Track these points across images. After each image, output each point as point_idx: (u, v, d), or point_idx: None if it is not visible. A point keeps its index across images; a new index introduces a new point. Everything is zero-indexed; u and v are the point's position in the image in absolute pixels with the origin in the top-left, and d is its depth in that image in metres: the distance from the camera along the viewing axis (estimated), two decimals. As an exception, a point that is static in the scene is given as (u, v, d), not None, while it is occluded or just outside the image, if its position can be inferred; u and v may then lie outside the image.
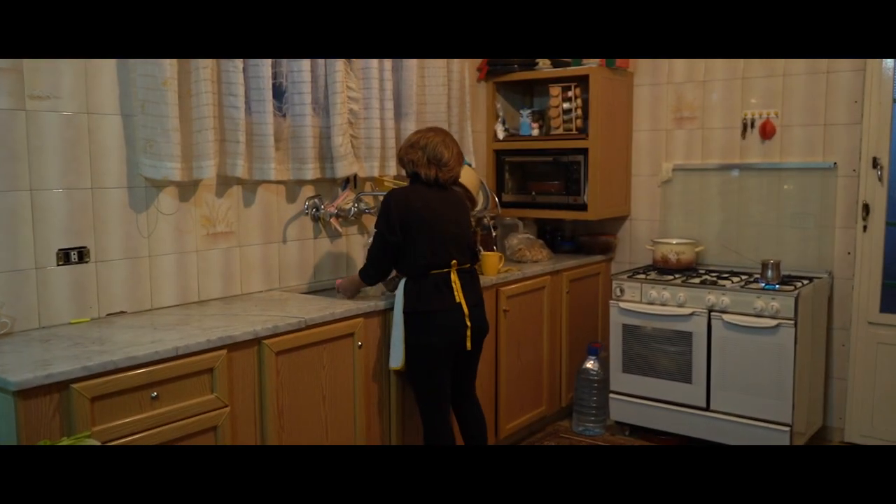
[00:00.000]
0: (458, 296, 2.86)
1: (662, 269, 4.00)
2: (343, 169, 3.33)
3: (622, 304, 3.84)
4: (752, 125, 3.95)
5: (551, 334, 3.94)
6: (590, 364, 3.98)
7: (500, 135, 4.29)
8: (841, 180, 3.74)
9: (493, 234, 3.92)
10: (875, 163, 3.61)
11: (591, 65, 4.00)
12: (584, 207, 4.07)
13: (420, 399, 2.93)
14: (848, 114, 3.70)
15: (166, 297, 2.86)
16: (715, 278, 3.77)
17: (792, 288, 3.49)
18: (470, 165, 3.42)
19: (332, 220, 3.43)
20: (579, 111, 4.08)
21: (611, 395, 3.93)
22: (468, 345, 2.88)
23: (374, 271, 2.93)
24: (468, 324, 2.87)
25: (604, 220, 4.36)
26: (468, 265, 2.95)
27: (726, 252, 4.08)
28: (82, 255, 2.60)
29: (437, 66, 3.79)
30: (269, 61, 3.03)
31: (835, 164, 3.74)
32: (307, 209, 3.36)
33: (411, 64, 3.65)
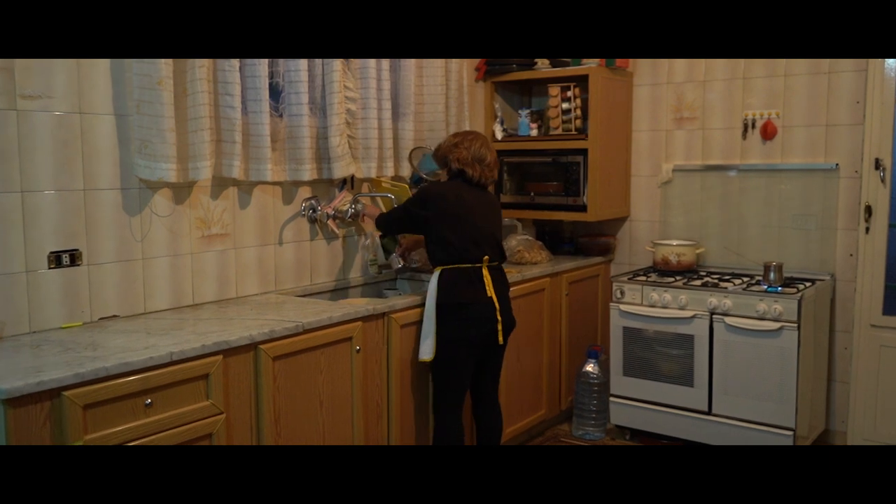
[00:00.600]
0: (490, 290, 2.95)
1: (663, 271, 3.96)
2: (340, 170, 3.28)
3: (623, 307, 3.80)
4: (753, 126, 3.91)
5: (551, 337, 3.90)
6: (590, 367, 3.94)
7: (499, 135, 4.25)
8: (843, 181, 3.71)
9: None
10: (877, 164, 3.57)
11: (590, 64, 3.96)
12: (583, 208, 4.02)
13: (439, 394, 2.98)
14: (850, 114, 3.67)
15: (160, 300, 2.81)
16: (716, 280, 3.73)
17: (794, 290, 3.45)
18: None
19: (329, 222, 3.37)
20: (578, 111, 4.04)
21: (611, 399, 3.89)
22: (500, 339, 2.98)
23: (385, 221, 3.15)
24: (499, 318, 2.96)
25: (603, 222, 4.32)
26: (497, 263, 3.04)
27: (727, 254, 4.04)
28: (74, 257, 2.55)
29: (435, 66, 3.75)
30: (265, 61, 2.98)
31: (837, 165, 3.71)
32: (304, 211, 3.31)
33: (409, 63, 3.60)
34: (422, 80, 3.73)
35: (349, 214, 3.41)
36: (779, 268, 3.56)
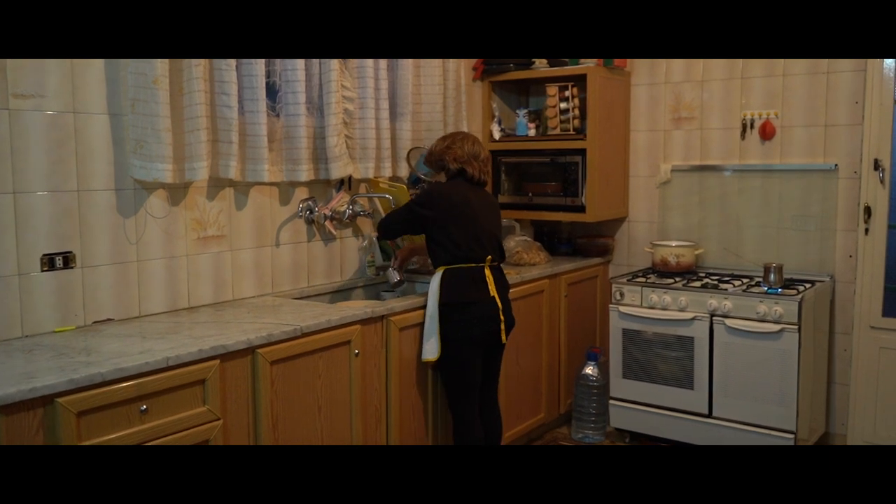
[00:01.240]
0: (493, 290, 2.96)
1: (662, 273, 3.93)
2: (338, 170, 3.24)
3: (622, 309, 3.77)
4: (752, 126, 3.89)
5: (550, 339, 3.87)
6: (589, 370, 3.91)
7: (496, 135, 4.21)
8: (842, 182, 3.69)
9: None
10: (877, 164, 3.55)
11: (588, 64, 3.93)
12: (582, 209, 3.99)
13: (451, 393, 2.98)
14: (849, 114, 3.65)
15: (155, 303, 2.76)
16: (716, 282, 3.71)
17: (795, 292, 3.43)
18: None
19: (327, 223, 3.33)
20: (577, 111, 4.01)
21: (611, 402, 3.86)
22: (503, 338, 2.99)
23: (387, 224, 3.09)
24: (502, 318, 2.96)
25: (601, 223, 4.29)
26: (497, 263, 3.03)
27: (726, 255, 4.01)
28: (68, 260, 2.49)
29: (432, 65, 3.71)
30: (262, 59, 2.93)
31: (836, 165, 3.69)
32: (301, 212, 3.26)
33: (407, 62, 3.56)
34: (419, 80, 3.69)
35: (346, 215, 3.36)
36: (779, 269, 3.54)
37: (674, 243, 3.98)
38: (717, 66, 3.95)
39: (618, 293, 3.81)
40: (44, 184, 2.42)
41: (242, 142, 2.95)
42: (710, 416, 3.57)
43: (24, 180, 2.36)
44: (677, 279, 3.81)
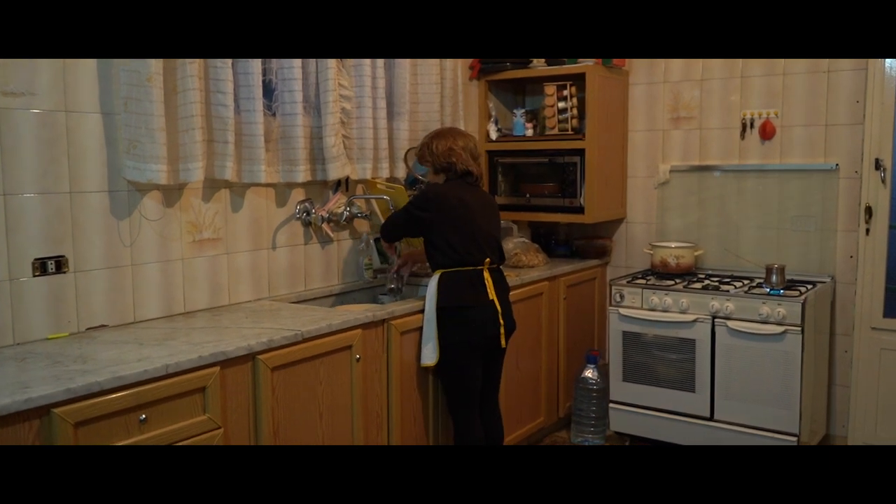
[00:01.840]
0: (492, 293, 2.89)
1: (661, 274, 3.89)
2: (335, 171, 3.17)
3: (622, 311, 3.72)
4: (752, 125, 3.86)
5: (549, 342, 3.81)
6: (589, 373, 3.85)
7: (493, 135, 4.15)
8: (843, 182, 3.66)
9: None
10: (878, 164, 3.53)
11: (587, 63, 3.88)
12: (580, 210, 3.94)
13: (451, 397, 2.93)
14: (850, 114, 3.63)
15: (150, 309, 2.67)
16: (717, 283, 3.67)
17: (798, 293, 3.39)
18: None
19: (324, 225, 3.26)
20: (575, 111, 3.96)
21: (610, 405, 3.81)
22: (503, 342, 2.93)
23: (385, 229, 3.07)
24: (501, 322, 2.91)
25: (598, 224, 4.24)
26: (496, 265, 2.98)
27: (726, 256, 3.98)
28: (60, 264, 2.40)
29: (429, 64, 3.64)
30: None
31: (836, 165, 3.66)
32: (298, 213, 3.19)
33: (404, 61, 3.49)
34: (416, 79, 3.62)
35: (344, 217, 3.29)
36: (781, 270, 3.51)
37: (673, 244, 3.94)
38: (717, 65, 3.92)
39: (618, 295, 3.76)
40: (35, 185, 2.33)
41: (238, 142, 2.87)
42: (711, 418, 3.53)
43: (14, 181, 2.28)
44: (677, 281, 3.76)
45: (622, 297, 3.74)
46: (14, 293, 2.29)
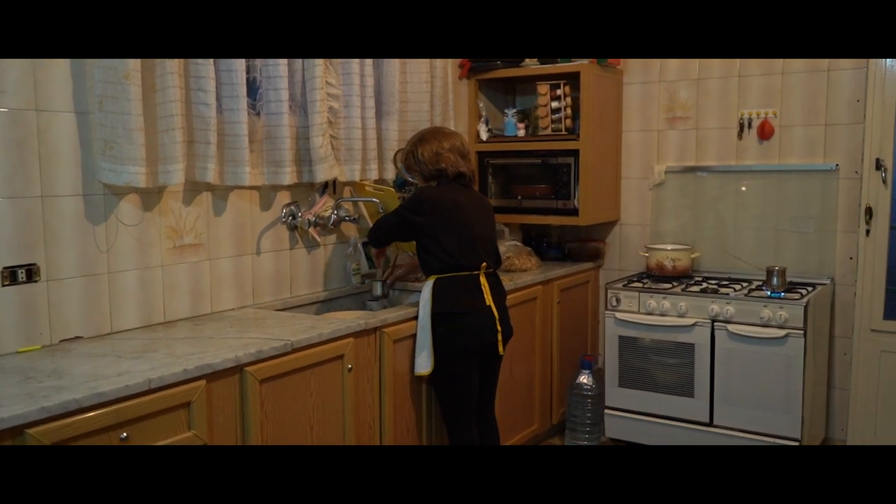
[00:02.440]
0: (488, 299, 2.79)
1: (657, 277, 3.80)
2: (323, 172, 3.04)
3: (619, 315, 3.62)
4: (750, 125, 3.78)
5: (542, 347, 3.71)
6: (583, 378, 3.75)
7: (484, 136, 4.04)
8: (843, 182, 3.59)
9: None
10: (878, 164, 3.47)
11: (581, 61, 3.78)
12: (574, 212, 3.83)
13: (446, 406, 2.83)
14: (850, 113, 3.55)
15: (128, 319, 2.53)
16: (715, 286, 3.58)
17: (799, 296, 3.31)
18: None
19: (311, 230, 3.12)
20: (569, 110, 3.85)
21: (606, 411, 3.71)
22: (500, 349, 2.84)
23: (376, 233, 2.92)
24: (499, 328, 2.81)
25: (592, 226, 4.14)
26: (492, 269, 2.88)
27: (723, 258, 3.89)
28: (31, 273, 2.25)
29: (419, 62, 3.53)
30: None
31: (836, 165, 3.59)
32: (283, 217, 3.05)
33: (393, 59, 3.37)
34: (406, 77, 3.50)
35: (331, 221, 3.16)
36: (782, 272, 3.43)
37: (669, 247, 3.85)
38: (713, 64, 3.83)
39: (613, 299, 3.66)
40: (3, 189, 2.18)
41: (221, 142, 2.73)
42: (710, 424, 3.45)
43: (-19, 185, 2.13)
44: (674, 284, 3.67)
45: (618, 300, 3.64)
46: (-18, 304, 2.15)
